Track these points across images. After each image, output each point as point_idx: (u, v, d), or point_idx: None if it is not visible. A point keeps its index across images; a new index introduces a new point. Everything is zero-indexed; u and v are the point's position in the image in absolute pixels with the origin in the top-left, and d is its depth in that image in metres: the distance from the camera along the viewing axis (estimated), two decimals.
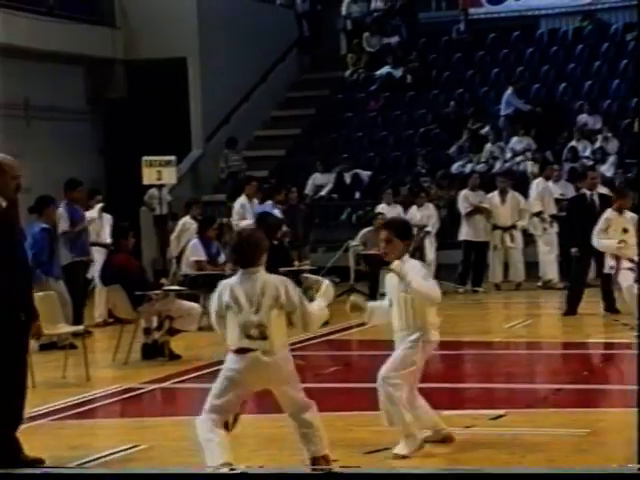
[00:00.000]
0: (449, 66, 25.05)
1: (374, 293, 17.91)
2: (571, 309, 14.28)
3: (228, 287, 6.67)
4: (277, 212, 16.83)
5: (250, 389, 6.80)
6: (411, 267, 7.29)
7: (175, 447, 7.86)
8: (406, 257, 7.35)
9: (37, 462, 7.35)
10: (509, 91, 22.89)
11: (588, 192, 14.59)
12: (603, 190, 18.49)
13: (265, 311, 6.58)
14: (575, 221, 14.43)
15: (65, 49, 22.27)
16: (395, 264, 7.29)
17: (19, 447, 7.38)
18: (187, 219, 17.30)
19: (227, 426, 6.84)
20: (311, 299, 7.05)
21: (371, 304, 7.65)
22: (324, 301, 6.90)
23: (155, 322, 12.17)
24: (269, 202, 17.62)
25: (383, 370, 7.35)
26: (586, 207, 14.28)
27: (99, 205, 15.95)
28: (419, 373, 7.46)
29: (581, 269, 14.39)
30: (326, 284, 7.00)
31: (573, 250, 14.22)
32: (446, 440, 7.61)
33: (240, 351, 6.58)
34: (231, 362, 6.64)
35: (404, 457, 7.23)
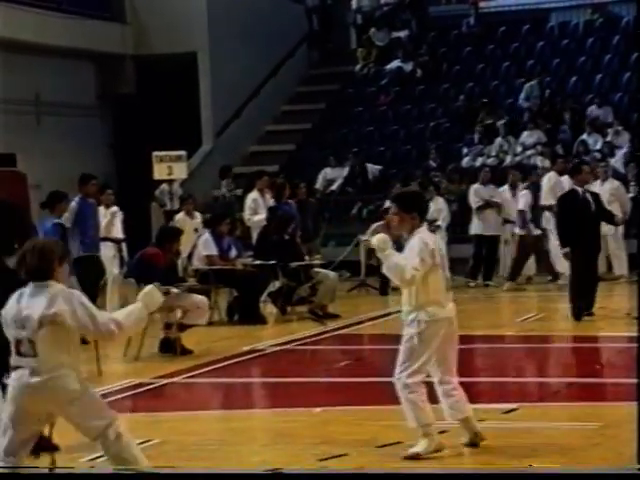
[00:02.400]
0: (459, 60, 25.00)
1: (385, 287, 17.92)
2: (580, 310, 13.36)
3: (14, 299, 6.06)
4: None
5: (31, 414, 5.95)
6: (411, 244, 7.09)
7: (186, 442, 7.86)
8: (419, 230, 7.15)
9: (54, 449, 7.53)
10: (532, 83, 22.74)
11: (580, 188, 13.62)
12: (615, 183, 18.53)
13: (34, 327, 5.91)
14: (568, 219, 13.46)
15: (75, 45, 22.30)
16: (374, 238, 7.12)
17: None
18: (181, 215, 17.35)
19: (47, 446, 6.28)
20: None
21: None
22: (139, 307, 6.14)
23: (175, 316, 12.11)
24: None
25: (396, 367, 7.17)
26: (579, 204, 13.38)
27: (114, 208, 15.92)
28: (444, 354, 7.17)
29: (580, 268, 13.35)
30: (146, 290, 6.26)
31: (566, 251, 13.38)
32: (474, 441, 7.30)
33: (14, 369, 6.00)
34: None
35: (418, 456, 7.09)
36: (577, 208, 13.43)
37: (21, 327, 5.98)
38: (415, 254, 7.06)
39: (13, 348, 6.03)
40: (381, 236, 7.13)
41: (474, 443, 7.33)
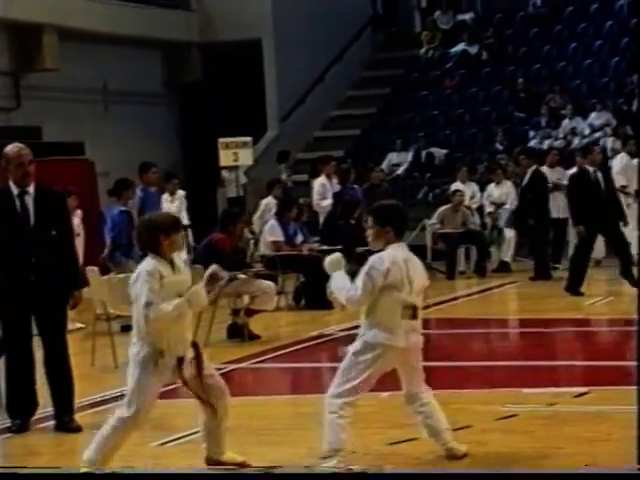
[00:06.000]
0: (525, 41, 24.75)
1: (452, 272, 17.83)
2: (574, 289, 14.23)
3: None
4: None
5: None
6: (369, 260, 6.76)
7: (255, 426, 7.90)
8: (391, 245, 6.78)
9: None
10: None
11: (591, 168, 14.13)
12: None
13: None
14: (578, 199, 14.08)
15: (141, 33, 22.46)
16: (326, 259, 6.91)
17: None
18: (269, 199, 17.32)
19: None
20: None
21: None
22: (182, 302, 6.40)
23: (243, 302, 12.15)
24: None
25: (332, 383, 6.71)
26: (591, 184, 13.92)
27: (181, 192, 16.02)
28: (408, 372, 6.86)
29: (586, 249, 14.22)
30: (193, 289, 6.45)
31: (580, 229, 14.04)
32: (451, 456, 6.77)
33: None
34: None
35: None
36: (587, 188, 13.83)
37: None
38: (363, 272, 6.70)
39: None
40: (334, 256, 6.90)
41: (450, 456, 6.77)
